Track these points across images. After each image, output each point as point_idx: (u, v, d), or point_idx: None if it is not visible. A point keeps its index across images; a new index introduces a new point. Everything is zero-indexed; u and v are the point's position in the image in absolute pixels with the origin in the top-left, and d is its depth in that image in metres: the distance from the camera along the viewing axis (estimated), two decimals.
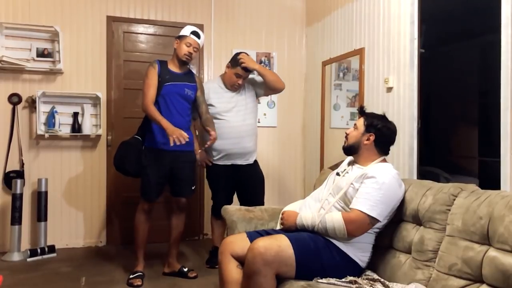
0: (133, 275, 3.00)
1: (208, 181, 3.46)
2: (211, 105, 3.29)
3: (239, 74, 3.25)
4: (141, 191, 3.09)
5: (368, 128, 2.10)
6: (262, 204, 3.36)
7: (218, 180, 3.37)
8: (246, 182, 3.38)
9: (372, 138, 2.09)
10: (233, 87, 3.30)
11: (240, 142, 3.27)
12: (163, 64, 3.09)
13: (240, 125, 3.27)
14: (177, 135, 2.79)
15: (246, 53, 3.35)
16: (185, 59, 3.08)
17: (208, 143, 3.11)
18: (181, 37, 3.10)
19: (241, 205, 3.35)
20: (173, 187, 3.16)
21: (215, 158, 3.32)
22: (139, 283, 2.94)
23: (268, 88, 3.37)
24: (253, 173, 3.40)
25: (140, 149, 3.03)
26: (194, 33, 3.09)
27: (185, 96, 3.10)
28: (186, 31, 3.10)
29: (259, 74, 3.31)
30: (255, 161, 3.43)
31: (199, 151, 3.34)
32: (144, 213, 3.09)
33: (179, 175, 3.10)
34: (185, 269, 3.16)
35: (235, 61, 3.27)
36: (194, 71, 4.29)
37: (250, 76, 3.41)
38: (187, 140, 2.84)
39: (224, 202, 3.21)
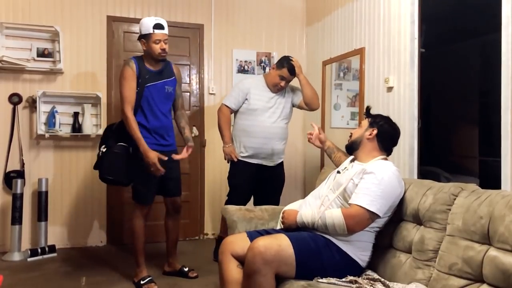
0: (143, 280, 2.91)
1: (229, 177, 3.40)
2: (249, 100, 3.26)
3: (284, 77, 3.23)
4: (136, 197, 2.97)
5: (372, 124, 2.16)
6: (278, 203, 3.36)
7: (240, 176, 3.31)
8: (267, 182, 3.36)
9: (374, 132, 2.12)
10: (274, 88, 3.29)
11: (269, 143, 3.26)
12: (140, 62, 2.91)
13: (272, 126, 3.26)
14: (156, 168, 2.76)
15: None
16: (162, 57, 2.91)
17: (182, 155, 3.03)
18: (145, 36, 2.87)
19: (254, 201, 3.39)
20: (166, 187, 3.08)
21: (242, 155, 3.29)
22: (155, 287, 2.89)
23: (304, 101, 3.35)
24: (276, 175, 3.40)
25: (128, 155, 2.87)
26: (157, 26, 2.87)
27: (167, 95, 3.01)
28: (147, 28, 2.86)
29: (301, 83, 3.31)
30: (281, 163, 3.42)
31: (229, 144, 3.30)
32: (142, 219, 2.99)
33: (170, 175, 3.03)
34: (186, 269, 3.15)
35: (281, 63, 3.27)
36: (194, 71, 4.31)
37: (293, 84, 3.41)
38: (162, 173, 2.81)
39: (243, 200, 3.23)
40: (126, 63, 2.91)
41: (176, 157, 3.00)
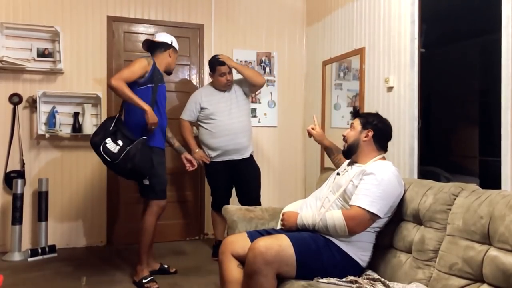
0: (145, 279, 2.93)
1: (207, 178, 3.66)
2: (204, 108, 3.50)
3: (223, 72, 3.46)
4: (156, 193, 3.00)
5: (365, 125, 2.15)
6: (259, 197, 3.58)
7: (217, 176, 3.55)
8: (243, 176, 3.56)
9: (370, 133, 2.12)
10: (225, 86, 3.51)
11: (234, 139, 3.46)
12: (154, 63, 3.05)
13: (233, 122, 3.48)
14: (154, 124, 2.89)
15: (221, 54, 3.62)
16: (171, 71, 3.22)
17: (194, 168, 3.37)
18: (174, 49, 3.19)
19: (238, 199, 3.58)
20: None
21: (212, 156, 3.50)
22: (157, 285, 2.92)
23: (250, 84, 3.57)
24: (250, 167, 3.59)
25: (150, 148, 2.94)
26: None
27: (165, 96, 3.16)
28: (177, 45, 3.21)
29: (238, 70, 3.53)
30: (251, 156, 3.61)
31: (197, 150, 3.53)
32: (156, 217, 3.02)
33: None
34: (166, 266, 3.24)
35: (211, 66, 3.53)
36: (194, 71, 4.32)
37: (239, 77, 3.61)
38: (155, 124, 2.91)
39: (224, 196, 3.52)
40: (145, 58, 3.03)
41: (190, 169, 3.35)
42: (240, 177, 3.55)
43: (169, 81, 3.94)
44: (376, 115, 2.21)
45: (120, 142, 2.85)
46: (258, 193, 3.60)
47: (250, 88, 3.63)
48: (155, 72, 3.00)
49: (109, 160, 2.82)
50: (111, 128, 2.88)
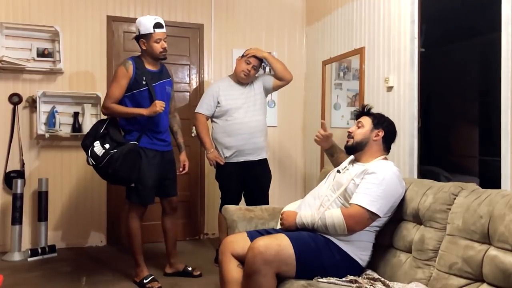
0: (146, 279, 2.92)
1: (219, 180, 3.42)
2: (220, 102, 3.29)
3: (249, 61, 3.27)
4: (134, 197, 2.93)
5: (377, 125, 2.14)
6: (267, 200, 3.43)
7: (230, 178, 3.34)
8: (257, 178, 3.40)
9: (381, 134, 2.12)
10: (243, 75, 3.30)
11: (251, 138, 3.30)
12: (138, 63, 2.89)
13: (250, 121, 3.30)
14: (159, 107, 2.76)
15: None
16: (163, 56, 2.92)
17: (184, 171, 3.22)
18: (145, 36, 2.85)
19: (246, 201, 3.44)
20: (164, 187, 3.06)
21: (227, 156, 3.31)
22: (159, 284, 2.91)
23: (276, 78, 3.41)
24: (264, 170, 3.44)
25: (138, 153, 2.87)
26: (157, 25, 2.86)
27: (167, 95, 3.03)
28: (146, 27, 2.84)
29: (268, 61, 3.40)
30: (266, 160, 3.46)
31: (212, 150, 3.33)
32: (138, 219, 2.98)
33: (168, 174, 3.05)
34: (190, 268, 3.17)
35: (243, 54, 3.37)
36: (194, 71, 4.32)
37: (260, 73, 3.49)
38: (163, 107, 2.81)
39: (235, 200, 3.31)
40: (122, 64, 2.88)
41: (181, 173, 3.18)
42: (253, 180, 3.37)
43: None
44: (387, 118, 2.21)
45: (106, 146, 2.79)
46: (267, 198, 3.46)
47: (275, 84, 3.43)
48: (139, 75, 2.85)
49: (94, 163, 2.79)
50: (101, 131, 2.85)
